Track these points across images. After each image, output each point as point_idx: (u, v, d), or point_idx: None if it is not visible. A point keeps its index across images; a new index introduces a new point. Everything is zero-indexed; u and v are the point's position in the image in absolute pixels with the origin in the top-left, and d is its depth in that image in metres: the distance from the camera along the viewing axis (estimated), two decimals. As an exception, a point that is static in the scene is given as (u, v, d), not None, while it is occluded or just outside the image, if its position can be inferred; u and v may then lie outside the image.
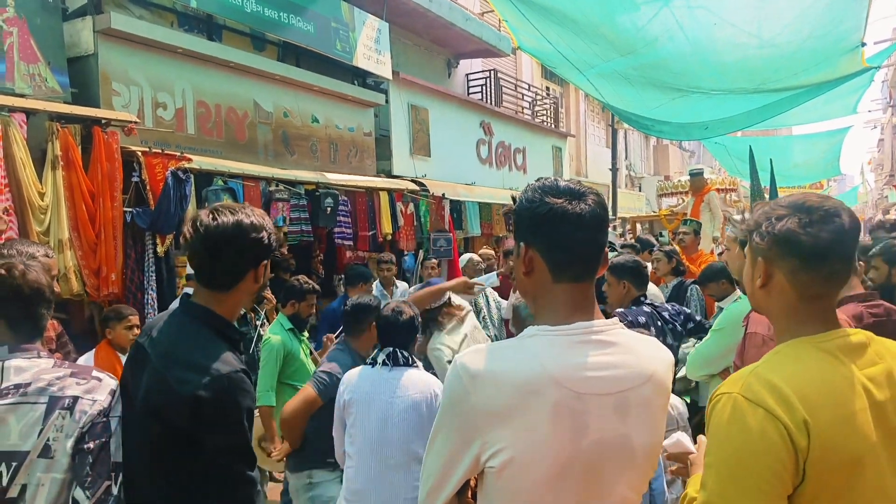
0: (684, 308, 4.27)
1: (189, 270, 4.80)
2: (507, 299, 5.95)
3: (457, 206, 10.02)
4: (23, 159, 4.54)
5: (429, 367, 3.80)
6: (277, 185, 6.62)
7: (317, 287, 4.62)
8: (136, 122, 5.42)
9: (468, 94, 12.71)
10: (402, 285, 6.89)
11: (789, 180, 16.92)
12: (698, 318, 4.08)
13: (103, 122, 5.14)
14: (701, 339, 3.79)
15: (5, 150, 4.46)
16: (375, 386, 2.90)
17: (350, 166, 8.52)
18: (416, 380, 2.89)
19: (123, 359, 2.90)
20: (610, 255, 7.45)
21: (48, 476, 1.62)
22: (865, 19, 4.59)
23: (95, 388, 1.73)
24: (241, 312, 4.58)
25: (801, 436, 1.17)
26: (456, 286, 4.08)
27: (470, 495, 1.42)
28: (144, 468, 1.70)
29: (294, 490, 3.61)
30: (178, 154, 5.62)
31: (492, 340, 5.06)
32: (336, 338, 3.99)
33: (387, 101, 9.21)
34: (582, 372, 1.25)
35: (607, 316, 1.37)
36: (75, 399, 1.68)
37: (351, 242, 7.67)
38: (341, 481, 2.99)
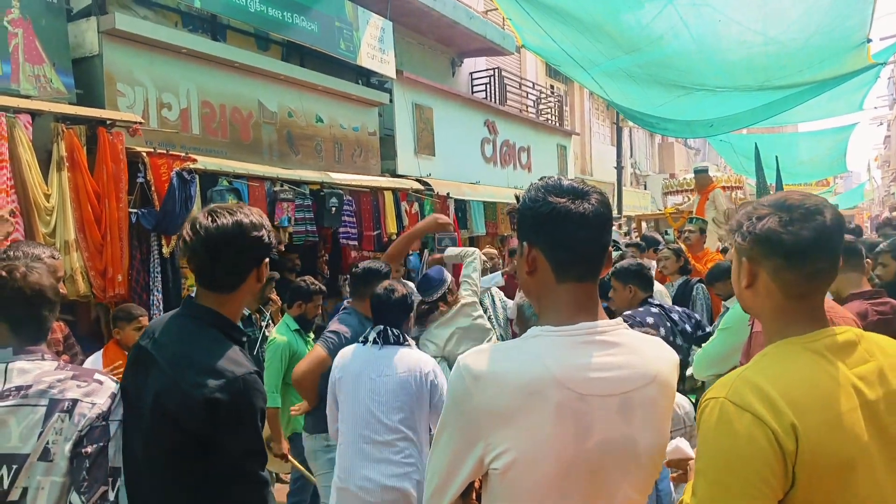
0: (695, 314, 4.26)
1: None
2: (512, 299, 5.94)
3: (461, 206, 10.02)
4: (28, 161, 4.55)
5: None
6: (282, 186, 6.62)
7: (323, 288, 4.62)
8: (140, 123, 5.43)
9: (472, 92, 12.70)
10: (408, 285, 6.89)
11: (795, 177, 16.87)
12: (709, 328, 4.05)
13: (108, 122, 5.15)
14: None
15: (11, 151, 4.47)
16: (364, 364, 2.94)
17: (354, 166, 8.52)
18: (405, 358, 2.92)
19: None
20: (614, 254, 7.47)
21: (48, 479, 1.61)
22: (871, 15, 4.56)
23: (95, 391, 1.72)
24: (247, 314, 4.61)
25: (788, 440, 1.15)
26: (428, 225, 4.23)
27: (474, 497, 1.42)
28: (157, 473, 1.70)
29: (311, 452, 3.66)
30: (183, 154, 5.62)
31: (497, 340, 5.05)
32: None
33: (391, 101, 9.20)
34: (585, 373, 1.25)
35: (611, 316, 1.36)
36: (74, 402, 1.67)
37: (356, 242, 7.67)
38: None
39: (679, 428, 2.59)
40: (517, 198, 1.50)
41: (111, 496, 1.66)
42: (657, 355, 1.35)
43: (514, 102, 13.68)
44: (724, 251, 7.13)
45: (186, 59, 6.41)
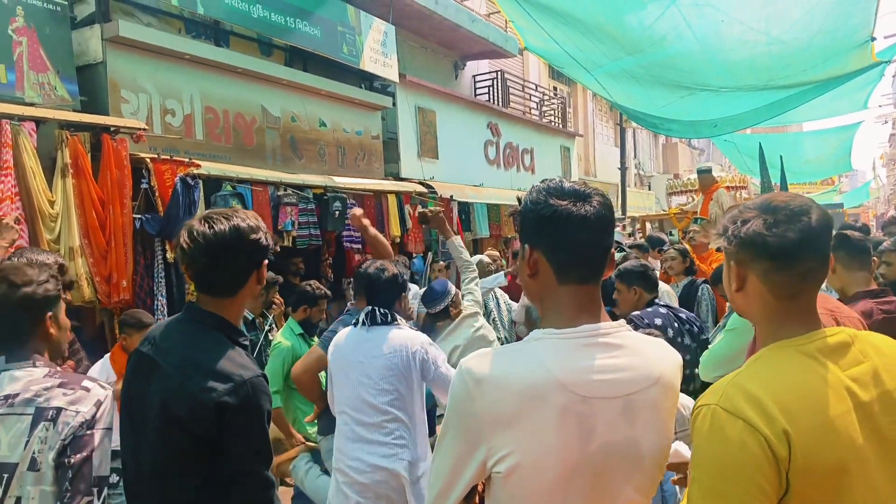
0: (697, 320, 4.24)
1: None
2: (516, 300, 5.94)
3: (465, 208, 10.02)
4: (33, 168, 4.57)
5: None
6: (286, 190, 6.64)
7: (328, 292, 4.63)
8: (144, 129, 5.45)
9: (475, 95, 12.71)
10: (413, 287, 6.90)
11: (800, 177, 16.83)
12: (704, 337, 4.02)
13: (112, 129, 5.17)
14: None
15: (15, 159, 4.49)
16: (354, 348, 2.95)
17: (358, 169, 8.53)
18: (392, 338, 2.90)
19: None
20: (617, 255, 7.46)
21: (37, 489, 1.60)
22: (875, 14, 4.55)
23: (81, 398, 1.70)
24: (250, 317, 4.61)
25: (781, 446, 1.14)
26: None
27: (477, 500, 1.41)
28: (164, 476, 1.70)
29: (326, 451, 3.66)
30: (187, 160, 5.65)
31: (501, 343, 5.05)
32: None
33: (394, 104, 9.21)
34: (588, 375, 1.24)
35: (614, 318, 1.36)
36: (59, 410, 1.66)
37: (360, 246, 7.68)
38: None
39: (684, 429, 2.57)
40: (519, 200, 1.50)
41: None
42: (660, 356, 1.34)
43: (517, 105, 13.68)
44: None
45: (190, 66, 6.44)
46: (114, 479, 3.70)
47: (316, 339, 4.56)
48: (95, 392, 1.73)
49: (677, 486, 2.72)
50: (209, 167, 5.93)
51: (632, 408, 1.26)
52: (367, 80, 9.00)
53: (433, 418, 4.72)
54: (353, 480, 2.85)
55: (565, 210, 1.28)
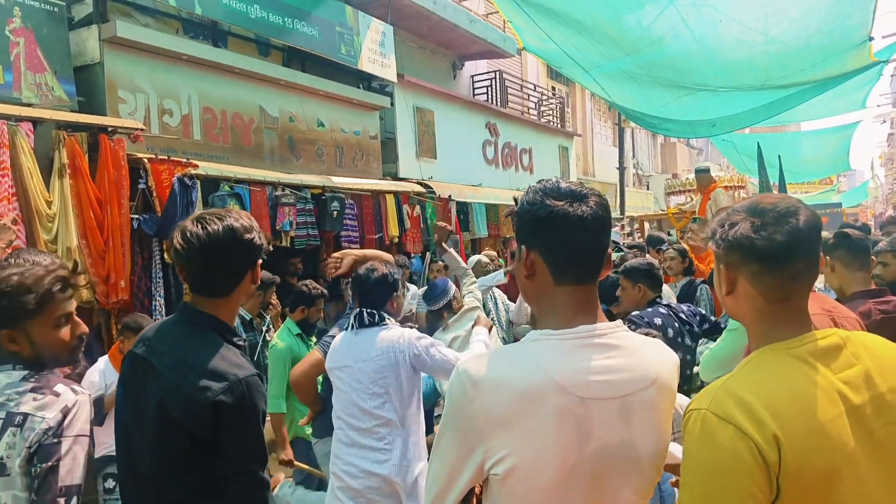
0: (699, 309, 4.24)
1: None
2: (514, 300, 5.93)
3: (463, 208, 10.01)
4: (30, 168, 4.56)
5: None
6: (284, 190, 6.63)
7: (325, 292, 4.62)
8: (142, 130, 5.45)
9: (473, 95, 12.70)
10: (412, 288, 6.89)
11: (798, 176, 16.84)
12: (713, 319, 4.04)
13: (110, 129, 5.16)
14: (715, 339, 3.75)
15: (13, 159, 4.48)
16: (346, 353, 2.94)
17: (356, 169, 8.53)
18: (380, 340, 2.87)
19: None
20: (615, 255, 7.44)
21: (9, 494, 1.57)
22: (873, 13, 4.55)
23: (48, 404, 1.64)
24: (248, 318, 4.60)
25: (771, 452, 1.13)
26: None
27: (475, 502, 1.41)
28: (160, 476, 1.70)
29: (322, 455, 3.64)
30: (185, 160, 5.64)
31: (499, 340, 5.04)
32: None
33: (392, 104, 9.21)
34: (585, 376, 1.24)
35: (611, 317, 1.35)
36: (25, 416, 1.60)
37: (358, 246, 7.67)
38: None
39: (681, 430, 2.56)
40: (515, 200, 1.49)
41: None
42: (657, 357, 1.34)
43: (515, 104, 13.68)
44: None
45: (188, 66, 6.43)
46: (110, 484, 3.70)
47: (314, 339, 4.56)
48: (65, 398, 1.66)
49: (676, 488, 2.72)
50: (207, 167, 5.92)
51: (629, 409, 1.26)
52: (366, 80, 9.00)
53: (431, 418, 4.72)
54: (347, 485, 2.85)
55: (562, 211, 1.28)
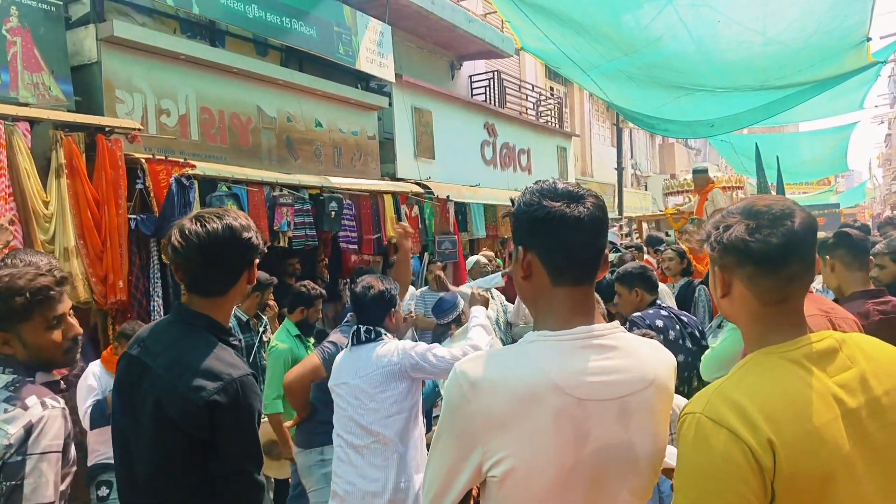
0: (700, 323, 4.23)
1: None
2: (512, 301, 5.93)
3: (462, 208, 10.01)
4: (27, 168, 4.55)
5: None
6: (281, 190, 6.61)
7: (323, 292, 4.62)
8: (139, 130, 5.43)
9: (472, 95, 12.70)
10: (410, 288, 6.87)
11: (796, 177, 16.86)
12: (705, 343, 4.02)
13: (107, 129, 5.15)
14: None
15: (9, 159, 4.47)
16: (345, 370, 2.95)
17: (354, 170, 8.52)
18: (375, 356, 2.88)
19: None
20: (612, 255, 7.41)
21: None
22: (871, 14, 4.55)
23: (14, 418, 1.59)
24: (245, 319, 4.60)
25: (766, 456, 1.13)
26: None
27: (472, 504, 1.40)
28: (161, 480, 1.69)
29: (305, 468, 3.62)
30: (182, 160, 5.62)
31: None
32: None
33: (390, 104, 9.19)
34: (583, 377, 1.23)
35: (611, 319, 1.35)
36: None
37: (356, 246, 7.67)
38: None
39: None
40: (512, 201, 1.49)
41: None
42: (654, 358, 1.34)
43: (513, 105, 13.67)
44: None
45: (185, 66, 6.41)
46: (104, 492, 3.68)
47: (312, 340, 4.56)
48: (31, 413, 1.60)
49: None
50: (204, 167, 5.91)
51: (627, 410, 1.26)
52: (364, 81, 8.99)
53: (430, 418, 4.72)
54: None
55: (559, 211, 1.28)
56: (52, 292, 1.74)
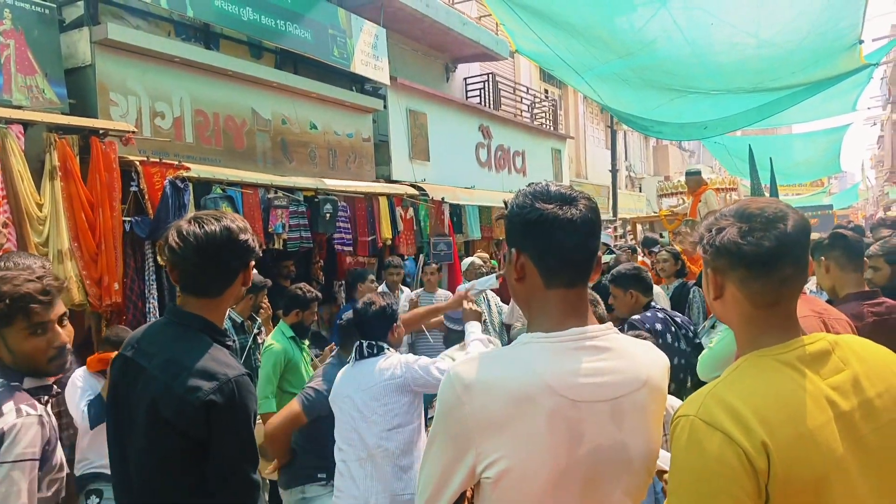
0: (691, 323, 4.25)
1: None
2: (507, 302, 5.94)
3: (456, 210, 10.01)
4: (20, 171, 4.53)
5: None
6: (276, 192, 6.61)
7: (319, 295, 4.61)
8: (133, 132, 5.42)
9: (466, 97, 12.71)
10: (405, 290, 6.88)
11: (790, 178, 16.92)
12: (698, 341, 4.04)
13: (101, 132, 5.14)
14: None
15: (3, 162, 4.45)
16: (347, 384, 2.95)
17: (349, 172, 8.51)
18: (377, 369, 2.89)
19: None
20: (606, 256, 7.41)
21: None
22: (863, 16, 4.57)
23: None
24: (239, 321, 4.59)
25: (760, 459, 1.13)
26: (451, 305, 3.64)
27: (466, 506, 1.41)
28: (157, 481, 1.69)
29: None
30: (177, 163, 5.61)
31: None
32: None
33: (385, 107, 9.20)
34: (577, 378, 1.24)
35: (602, 321, 1.36)
36: None
37: (351, 248, 7.66)
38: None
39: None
40: (505, 204, 1.49)
41: None
42: (647, 359, 1.34)
43: (508, 107, 13.70)
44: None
45: (179, 68, 6.41)
46: (94, 501, 3.64)
47: (307, 342, 4.56)
48: (5, 419, 1.59)
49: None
50: (199, 170, 5.89)
51: (620, 411, 1.26)
52: (358, 83, 8.99)
53: (426, 420, 4.71)
54: None
55: (551, 214, 1.28)
56: (36, 299, 1.72)
